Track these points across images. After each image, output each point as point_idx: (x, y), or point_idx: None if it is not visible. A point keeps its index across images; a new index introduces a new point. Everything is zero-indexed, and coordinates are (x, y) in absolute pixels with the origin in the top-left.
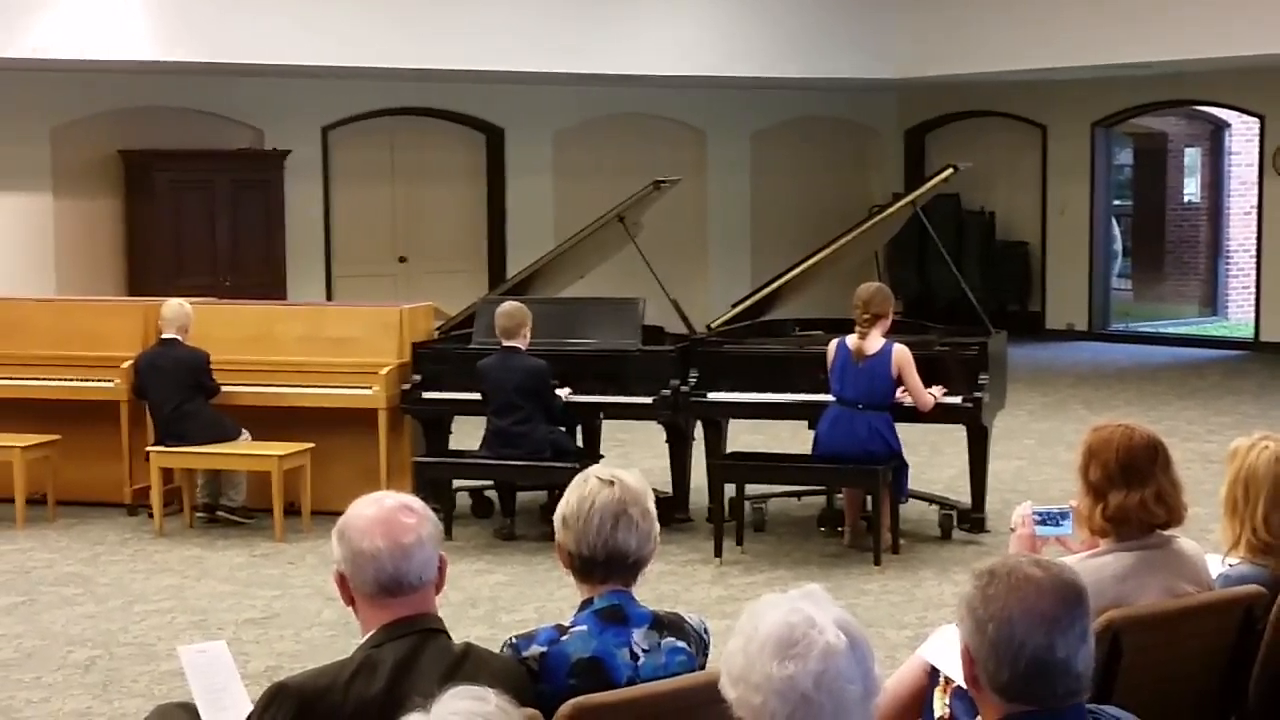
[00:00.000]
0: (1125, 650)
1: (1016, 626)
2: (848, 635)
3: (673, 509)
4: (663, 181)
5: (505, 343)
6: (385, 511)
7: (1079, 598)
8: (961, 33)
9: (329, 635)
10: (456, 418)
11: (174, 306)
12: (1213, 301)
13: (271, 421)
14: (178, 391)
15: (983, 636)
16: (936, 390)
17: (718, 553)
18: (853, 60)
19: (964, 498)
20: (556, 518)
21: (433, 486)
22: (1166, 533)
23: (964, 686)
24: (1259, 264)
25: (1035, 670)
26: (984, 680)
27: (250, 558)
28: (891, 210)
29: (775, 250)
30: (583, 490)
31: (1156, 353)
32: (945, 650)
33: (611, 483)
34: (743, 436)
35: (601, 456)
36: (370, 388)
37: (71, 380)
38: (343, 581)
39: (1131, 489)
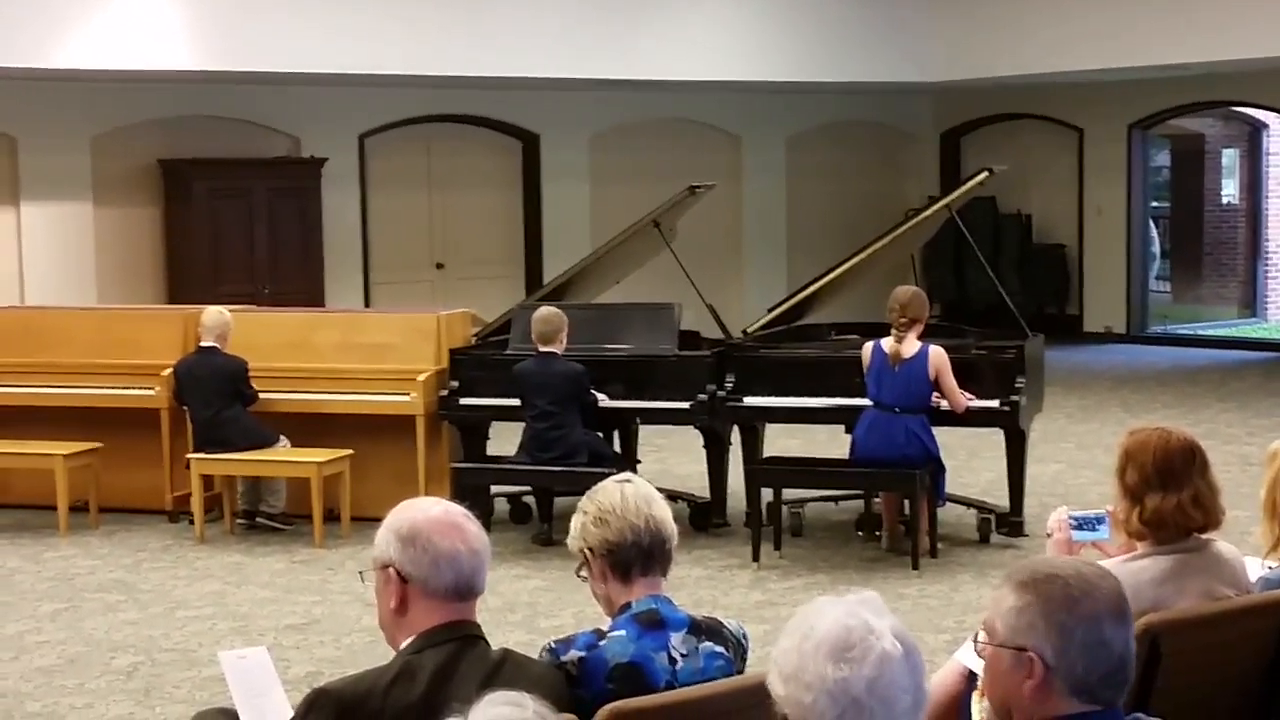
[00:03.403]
0: (1164, 654)
1: (1105, 626)
2: (904, 645)
3: (710, 514)
4: (698, 187)
5: (542, 348)
6: (454, 516)
7: (1122, 589)
8: (996, 35)
9: (369, 641)
10: (494, 423)
11: (213, 314)
12: (1252, 303)
13: (310, 428)
14: (217, 399)
15: (1070, 640)
16: (965, 394)
17: (755, 557)
18: (888, 64)
19: (1002, 501)
20: (585, 521)
21: (471, 492)
22: (1204, 536)
23: None
24: None
25: (1117, 667)
26: (1063, 686)
27: (290, 564)
28: (927, 214)
29: (811, 254)
30: (607, 489)
31: (1195, 355)
32: None
33: (629, 480)
34: (779, 441)
35: (639, 461)
36: (408, 394)
37: (112, 388)
38: (401, 583)
39: (1168, 492)
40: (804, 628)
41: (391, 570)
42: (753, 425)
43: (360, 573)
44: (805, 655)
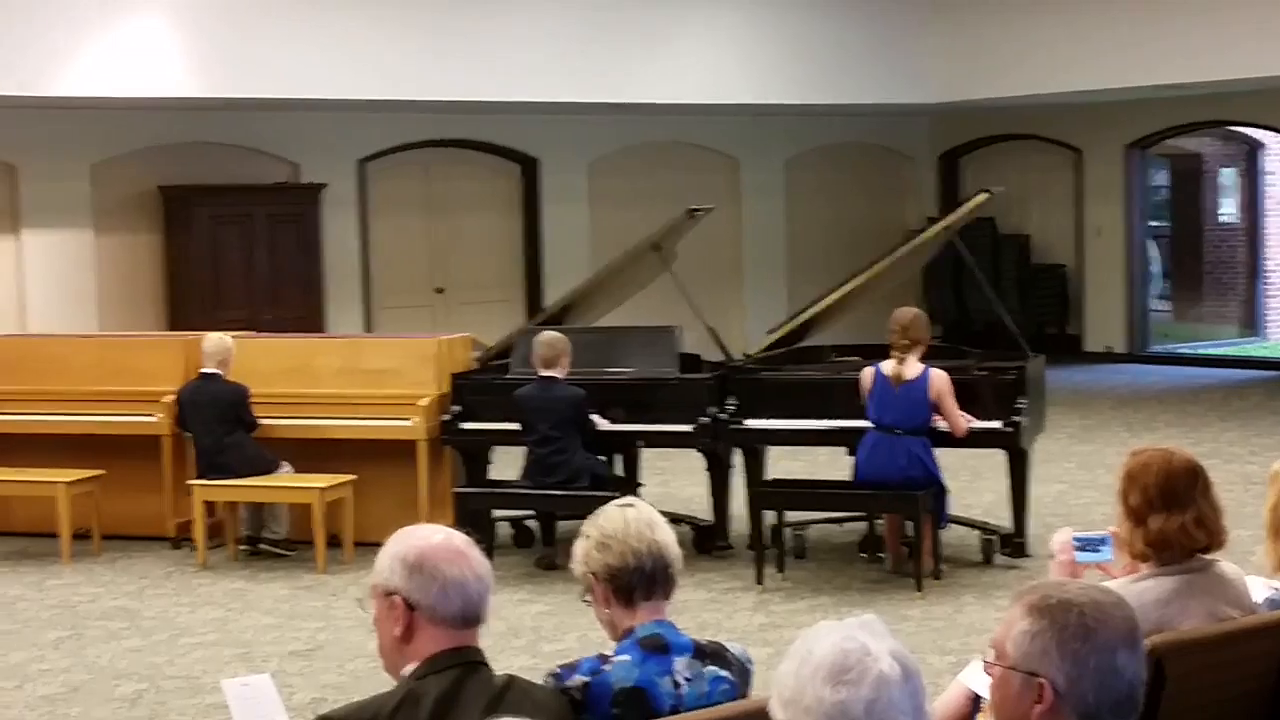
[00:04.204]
0: (1168, 676)
1: (1119, 655)
2: (902, 666)
3: (713, 537)
4: (697, 209)
5: (543, 372)
6: (459, 543)
7: (1136, 621)
8: (994, 57)
9: (373, 667)
10: (496, 448)
11: (214, 341)
12: (1252, 322)
13: (312, 454)
14: (218, 425)
15: (1084, 669)
16: (966, 416)
17: (759, 580)
18: (886, 86)
19: (1005, 522)
20: (588, 546)
21: (473, 517)
22: (1208, 556)
23: None
24: None
25: (1126, 695)
26: (1071, 713)
27: (293, 590)
28: (927, 235)
29: (811, 276)
30: (609, 514)
31: (1196, 374)
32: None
33: (631, 504)
34: (782, 463)
35: (641, 485)
36: (409, 419)
37: (114, 415)
38: (407, 611)
39: (1171, 513)
40: (803, 652)
41: (397, 598)
42: (755, 448)
43: (358, 600)
44: (803, 679)
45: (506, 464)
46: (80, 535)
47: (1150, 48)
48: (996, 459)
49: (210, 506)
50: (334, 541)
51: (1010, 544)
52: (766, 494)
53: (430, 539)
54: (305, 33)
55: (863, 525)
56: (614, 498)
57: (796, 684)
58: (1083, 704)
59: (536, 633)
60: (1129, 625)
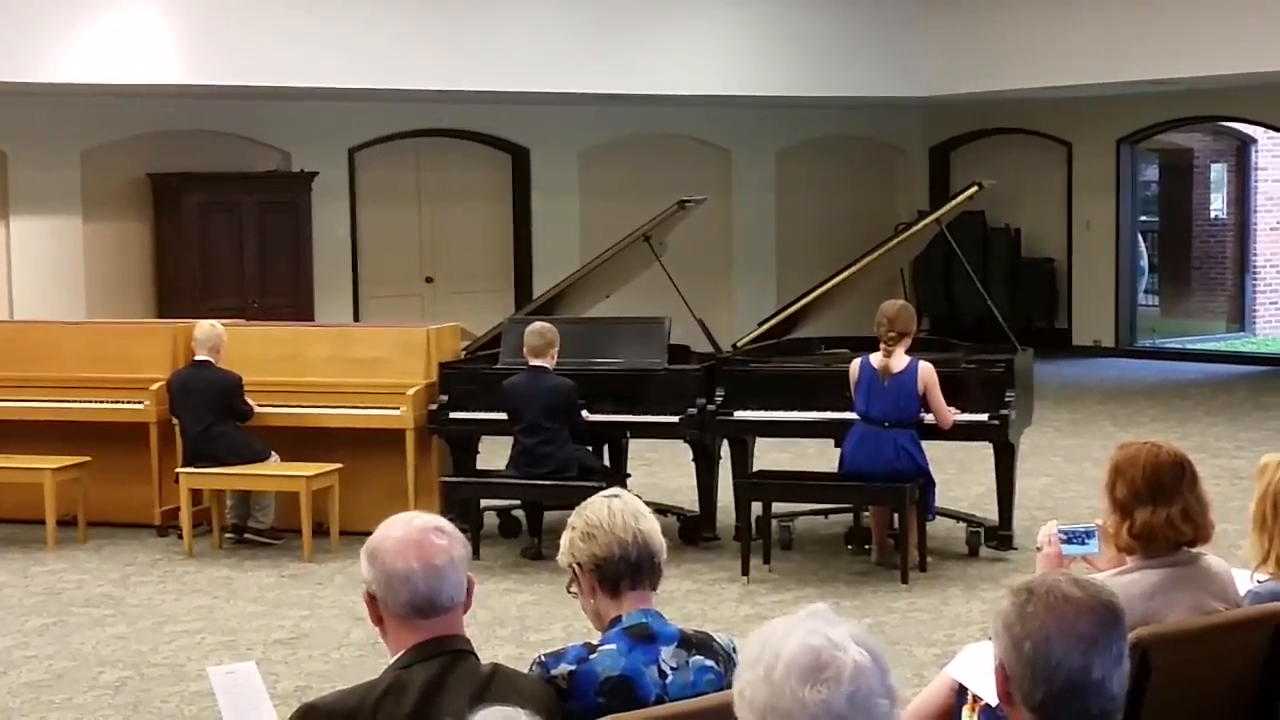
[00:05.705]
0: (1153, 669)
1: (1053, 646)
2: (869, 651)
3: (699, 528)
4: (688, 201)
5: (533, 361)
6: (417, 532)
7: (1117, 618)
8: (986, 50)
9: (357, 655)
10: (484, 437)
11: (206, 328)
12: (1240, 317)
13: (300, 442)
14: (209, 413)
15: (1019, 654)
16: (952, 409)
17: (745, 571)
18: (878, 78)
19: (991, 515)
20: (575, 536)
21: (460, 506)
22: (1194, 550)
23: (991, 705)
24: None
25: (1070, 690)
26: (1018, 697)
27: (279, 578)
28: (917, 228)
29: (801, 269)
30: (595, 505)
31: (1184, 369)
32: (973, 668)
33: (617, 495)
34: (769, 455)
35: (628, 475)
36: (398, 408)
37: (101, 402)
38: (373, 602)
39: (1158, 506)
40: (767, 657)
41: (365, 588)
42: (742, 439)
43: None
44: (777, 684)
45: (493, 454)
46: (66, 522)
47: (1141, 43)
48: (984, 452)
49: (197, 494)
50: (320, 530)
51: (996, 537)
52: (753, 485)
53: (392, 532)
54: (297, 21)
55: (849, 517)
56: (601, 488)
57: (771, 690)
58: (1021, 690)
59: (522, 622)
60: (1081, 621)
